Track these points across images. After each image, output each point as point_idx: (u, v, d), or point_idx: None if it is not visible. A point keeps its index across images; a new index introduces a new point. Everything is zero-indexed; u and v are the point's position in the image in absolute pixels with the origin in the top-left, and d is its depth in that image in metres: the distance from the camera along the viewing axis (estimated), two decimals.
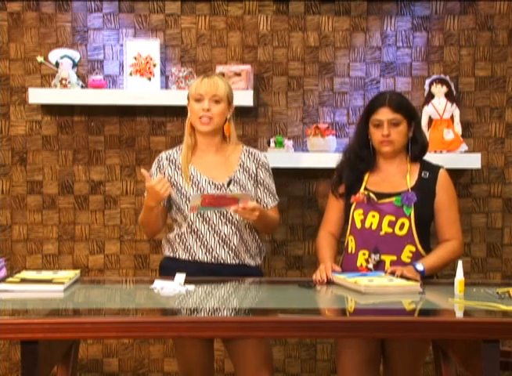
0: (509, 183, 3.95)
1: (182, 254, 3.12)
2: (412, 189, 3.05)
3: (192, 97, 3.11)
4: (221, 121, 3.12)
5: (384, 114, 3.04)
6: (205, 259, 3.09)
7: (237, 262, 3.10)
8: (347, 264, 3.10)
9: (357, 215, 3.08)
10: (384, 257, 3.02)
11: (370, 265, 3.02)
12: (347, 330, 2.42)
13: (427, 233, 3.09)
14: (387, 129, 3.03)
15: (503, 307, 2.50)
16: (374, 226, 3.04)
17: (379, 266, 3.02)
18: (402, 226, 3.02)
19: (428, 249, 3.07)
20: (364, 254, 3.05)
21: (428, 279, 2.98)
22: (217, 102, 3.08)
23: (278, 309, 2.66)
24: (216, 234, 3.08)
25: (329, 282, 2.90)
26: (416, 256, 3.02)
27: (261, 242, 3.23)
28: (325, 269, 2.95)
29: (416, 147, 3.11)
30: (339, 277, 2.88)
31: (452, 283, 2.71)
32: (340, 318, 2.53)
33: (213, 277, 3.00)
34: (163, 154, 3.22)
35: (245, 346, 2.99)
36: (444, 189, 3.09)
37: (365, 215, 3.06)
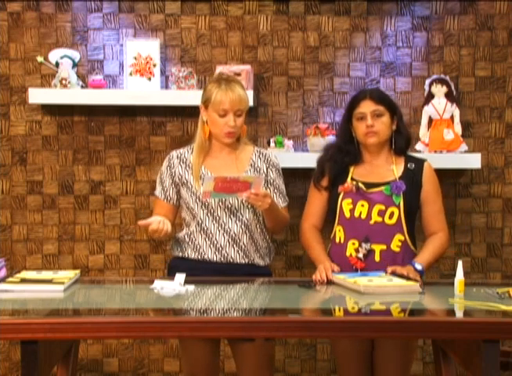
0: (509, 183, 3.95)
1: (191, 254, 3.11)
2: (399, 178, 3.08)
3: (215, 111, 3.04)
4: (241, 129, 3.13)
5: (367, 107, 3.08)
6: (214, 258, 3.08)
7: (246, 261, 3.10)
8: (334, 254, 3.11)
9: (346, 204, 3.08)
10: (374, 246, 3.03)
11: (360, 255, 3.03)
12: (346, 330, 2.42)
13: (412, 223, 3.12)
14: (371, 120, 3.07)
15: (503, 307, 2.51)
16: (364, 215, 3.05)
17: (369, 256, 3.03)
18: (391, 215, 3.04)
19: (414, 241, 3.11)
20: (354, 243, 3.05)
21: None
22: (239, 115, 3.06)
23: (278, 309, 2.66)
24: (226, 233, 3.07)
25: (329, 282, 2.91)
26: (405, 246, 3.05)
27: (271, 242, 3.24)
28: (325, 269, 2.95)
29: (400, 139, 3.14)
30: (339, 277, 2.88)
31: (452, 283, 2.71)
32: (340, 318, 2.53)
33: (220, 277, 2.99)
34: (174, 153, 3.20)
35: (248, 347, 2.99)
36: (429, 181, 3.13)
37: (354, 204, 3.07)
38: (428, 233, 3.14)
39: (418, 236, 3.15)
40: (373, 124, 3.07)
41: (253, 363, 3.03)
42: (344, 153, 3.15)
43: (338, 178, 3.14)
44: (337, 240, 3.12)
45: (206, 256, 3.08)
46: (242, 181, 2.93)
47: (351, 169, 3.14)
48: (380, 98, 3.10)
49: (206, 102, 3.09)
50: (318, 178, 3.19)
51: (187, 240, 3.12)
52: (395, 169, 3.11)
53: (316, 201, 3.20)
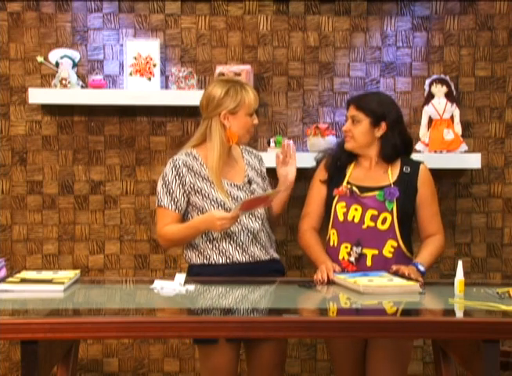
0: (509, 183, 3.96)
1: (219, 259, 3.06)
2: (394, 183, 3.07)
3: (248, 113, 3.07)
4: None
5: (350, 111, 3.14)
6: (243, 260, 3.07)
7: (268, 257, 3.13)
8: (329, 257, 3.10)
9: (339, 207, 3.09)
10: (365, 250, 3.03)
11: (352, 259, 3.03)
12: (346, 330, 2.42)
13: (408, 229, 3.11)
14: (348, 125, 3.11)
15: (503, 307, 2.51)
16: (357, 219, 3.06)
17: (361, 260, 3.03)
18: (384, 221, 3.04)
19: (409, 246, 3.10)
20: (346, 247, 3.06)
21: None
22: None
23: (278, 309, 2.66)
24: (249, 232, 3.07)
25: (330, 282, 2.91)
26: (398, 252, 3.04)
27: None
28: (326, 269, 2.95)
29: (386, 147, 3.10)
30: (339, 277, 2.88)
31: (452, 283, 2.71)
32: (340, 318, 2.53)
33: (247, 277, 3.00)
34: (179, 161, 3.07)
35: (266, 347, 3.02)
36: (425, 184, 3.12)
37: (347, 207, 3.07)
38: (425, 236, 3.14)
39: (416, 243, 3.15)
40: (348, 129, 3.10)
41: (266, 361, 3.05)
42: (342, 151, 3.16)
43: (335, 177, 3.14)
44: (331, 243, 3.12)
45: (234, 259, 3.06)
46: (264, 197, 3.01)
47: (349, 172, 3.15)
48: (361, 105, 3.09)
49: (236, 108, 3.06)
50: (316, 167, 3.23)
51: (210, 246, 3.07)
52: (390, 173, 3.10)
53: (315, 202, 3.20)
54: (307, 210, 3.23)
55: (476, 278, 3.91)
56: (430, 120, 3.84)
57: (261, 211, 3.11)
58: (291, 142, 3.24)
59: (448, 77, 3.84)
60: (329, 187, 3.16)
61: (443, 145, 3.78)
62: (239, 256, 3.07)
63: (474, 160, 3.77)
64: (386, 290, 2.72)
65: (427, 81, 3.85)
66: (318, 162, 3.25)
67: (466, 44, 3.91)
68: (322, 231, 3.21)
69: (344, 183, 3.11)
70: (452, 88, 3.82)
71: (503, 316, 2.46)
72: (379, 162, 3.13)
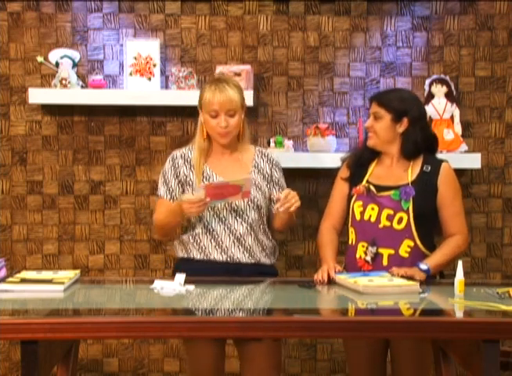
0: (509, 183, 3.96)
1: (197, 255, 3.09)
2: (412, 182, 3.05)
3: (207, 112, 3.05)
4: (238, 129, 3.11)
5: (372, 107, 3.13)
6: (220, 259, 3.07)
7: (252, 261, 3.09)
8: (348, 256, 3.13)
9: (357, 206, 3.09)
10: (381, 250, 3.02)
11: (368, 258, 3.03)
12: (346, 330, 2.42)
13: (427, 228, 3.08)
14: (370, 121, 3.10)
15: (503, 307, 2.51)
16: (373, 219, 3.05)
17: (376, 259, 3.02)
18: (400, 220, 3.03)
19: (430, 245, 3.07)
20: (363, 246, 3.05)
21: (431, 279, 2.97)
22: (232, 115, 3.05)
23: (278, 309, 2.66)
24: (231, 234, 3.07)
25: (330, 282, 2.91)
26: (415, 251, 3.02)
27: (275, 241, 3.23)
28: (328, 269, 2.95)
29: (407, 143, 3.08)
30: (340, 277, 2.88)
31: (452, 283, 2.71)
32: (340, 318, 2.53)
33: (225, 277, 2.99)
34: (177, 153, 3.18)
35: (255, 348, 2.99)
36: (446, 184, 3.08)
37: (364, 207, 3.07)
38: (446, 235, 3.10)
39: (439, 239, 3.13)
40: (371, 125, 3.09)
41: (260, 364, 3.02)
42: (365, 148, 3.16)
43: (356, 176, 3.13)
44: (350, 242, 3.13)
45: (212, 257, 3.07)
46: (232, 185, 2.94)
47: (371, 169, 3.14)
48: (382, 101, 3.08)
49: (199, 103, 3.11)
50: (341, 167, 3.23)
51: (192, 241, 3.10)
52: (410, 172, 3.08)
53: (337, 200, 3.19)
54: (328, 209, 3.23)
55: (476, 278, 3.92)
56: (431, 120, 3.83)
57: (252, 216, 3.08)
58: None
59: (448, 77, 3.84)
60: (350, 185, 3.15)
61: (443, 145, 3.77)
62: (216, 255, 3.07)
63: (474, 160, 3.77)
64: (386, 290, 2.72)
65: (427, 81, 3.85)
66: (343, 162, 3.24)
67: (466, 44, 3.91)
68: (344, 229, 3.21)
69: (363, 182, 3.11)
70: (452, 88, 3.83)
71: (503, 316, 2.46)
72: (400, 160, 3.11)
